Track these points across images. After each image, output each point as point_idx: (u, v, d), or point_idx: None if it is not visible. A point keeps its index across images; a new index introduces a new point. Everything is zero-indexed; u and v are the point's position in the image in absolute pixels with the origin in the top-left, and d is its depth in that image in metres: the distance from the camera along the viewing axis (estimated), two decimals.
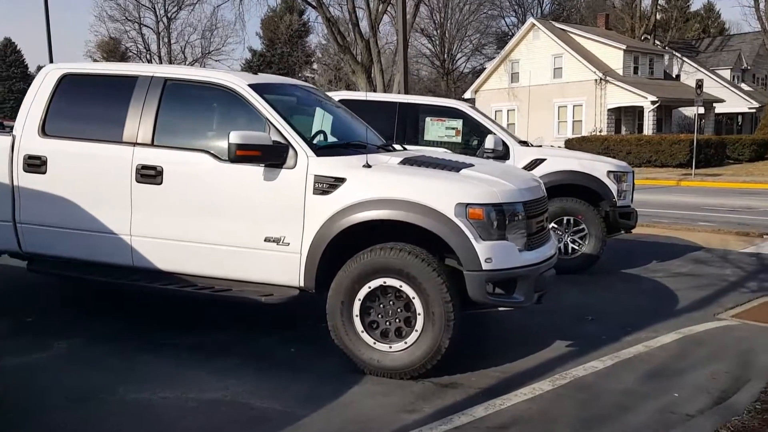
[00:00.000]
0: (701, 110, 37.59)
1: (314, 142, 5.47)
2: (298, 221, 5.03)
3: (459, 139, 8.91)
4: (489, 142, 8.29)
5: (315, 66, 65.93)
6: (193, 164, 5.31)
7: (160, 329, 5.90)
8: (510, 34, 52.75)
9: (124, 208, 5.45)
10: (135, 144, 5.44)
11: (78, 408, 4.29)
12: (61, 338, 5.57)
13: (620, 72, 38.81)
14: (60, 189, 5.61)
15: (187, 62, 61.69)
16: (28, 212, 5.73)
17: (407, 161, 5.26)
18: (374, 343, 4.87)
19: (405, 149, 6.45)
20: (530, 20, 43.01)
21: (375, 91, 31.78)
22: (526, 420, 4.28)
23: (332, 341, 4.98)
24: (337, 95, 9.10)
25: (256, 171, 5.08)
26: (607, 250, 9.15)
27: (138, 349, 5.38)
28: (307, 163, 5.03)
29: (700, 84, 27.40)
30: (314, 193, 5.00)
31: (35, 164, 5.65)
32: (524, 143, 9.14)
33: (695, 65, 47.65)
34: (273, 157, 5.02)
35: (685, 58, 48.23)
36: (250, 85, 5.35)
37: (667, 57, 45.63)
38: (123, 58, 60.87)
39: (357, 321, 4.89)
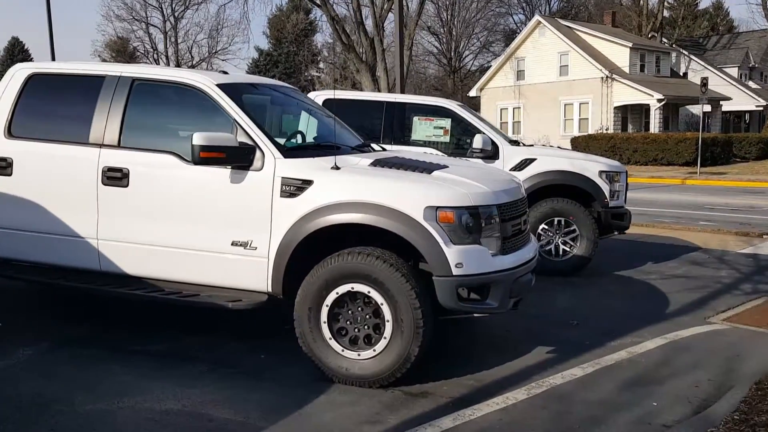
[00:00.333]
0: (707, 108, 37.36)
1: (283, 143, 5.31)
2: (265, 225, 4.89)
3: (447, 138, 8.75)
4: (477, 142, 8.14)
5: (321, 65, 65.80)
6: (160, 166, 5.17)
7: (130, 335, 5.77)
8: (518, 31, 52.35)
9: (90, 211, 5.32)
10: (101, 146, 5.30)
11: (27, 420, 4.14)
12: (27, 344, 5.43)
13: (627, 70, 38.47)
14: (26, 191, 5.49)
15: (193, 61, 61.76)
16: None
17: (378, 162, 5.11)
18: (342, 351, 4.73)
19: (384, 150, 6.29)
20: (536, 17, 42.65)
21: (379, 90, 31.64)
22: None
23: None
24: (324, 94, 8.96)
25: (223, 173, 4.94)
26: (601, 250, 8.99)
27: (103, 355, 5.24)
28: (274, 165, 4.89)
29: (705, 82, 27.07)
30: (281, 196, 4.85)
31: (1, 166, 5.53)
32: (515, 142, 8.96)
33: (702, 63, 47.26)
34: (239, 158, 4.88)
35: (692, 56, 47.85)
36: (218, 85, 5.21)
37: (674, 55, 45.25)
38: (132, 57, 60.91)
39: (325, 328, 4.75)
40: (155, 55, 62.68)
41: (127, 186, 5.20)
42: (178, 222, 5.11)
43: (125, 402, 4.39)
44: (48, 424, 4.07)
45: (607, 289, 7.88)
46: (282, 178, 4.85)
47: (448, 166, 5.22)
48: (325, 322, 4.74)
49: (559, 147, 9.71)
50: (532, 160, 8.40)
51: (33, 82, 5.67)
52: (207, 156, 4.71)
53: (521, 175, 8.29)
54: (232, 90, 5.23)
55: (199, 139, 4.67)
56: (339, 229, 4.77)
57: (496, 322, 6.25)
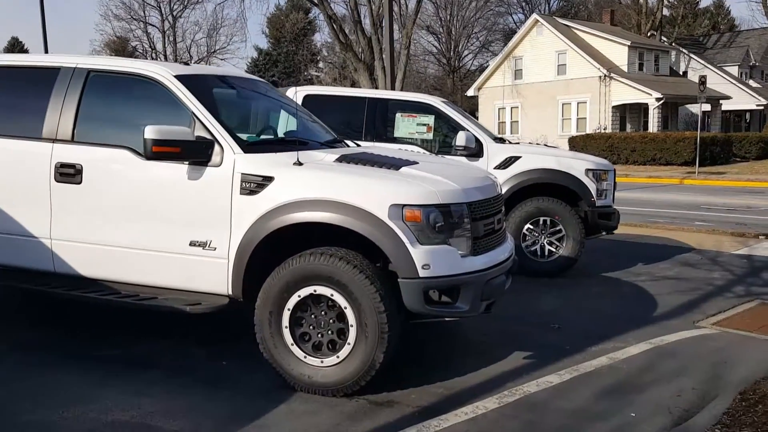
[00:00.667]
0: (707, 107, 37.12)
1: (246, 137, 5.05)
2: (224, 224, 4.63)
3: (431, 135, 8.48)
4: (460, 139, 7.89)
5: (321, 64, 65.55)
6: (114, 162, 4.91)
7: (85, 339, 5.51)
8: (517, 31, 52.07)
9: (44, 209, 5.06)
10: (54, 140, 5.05)
11: None
12: None
13: (625, 68, 38.15)
14: None
15: (192, 61, 61.51)
16: None
17: (344, 158, 4.84)
18: (305, 357, 4.47)
19: (357, 146, 6.03)
20: (534, 16, 42.39)
21: (377, 89, 31.37)
22: None
23: None
24: (305, 90, 8.71)
25: (180, 169, 4.68)
26: (589, 250, 8.74)
27: (54, 361, 4.99)
28: (233, 161, 4.63)
29: (702, 80, 26.79)
30: (241, 194, 4.59)
31: None
32: (500, 140, 8.71)
33: (702, 62, 46.94)
34: (195, 153, 4.62)
35: (692, 55, 47.54)
36: (176, 76, 4.94)
37: (673, 53, 44.96)
38: (131, 57, 60.67)
39: (286, 333, 4.49)
40: (154, 55, 62.44)
41: (80, 183, 4.94)
42: (134, 221, 4.85)
43: (70, 412, 4.13)
44: None
45: (594, 291, 7.62)
46: (242, 174, 4.60)
47: (417, 163, 4.95)
48: (286, 327, 4.48)
49: (546, 145, 9.40)
50: (517, 158, 8.14)
51: None
52: (160, 150, 4.45)
53: (506, 174, 8.05)
54: (190, 81, 4.96)
55: (151, 132, 4.41)
56: (304, 229, 4.52)
57: (474, 325, 6.00)
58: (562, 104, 39.46)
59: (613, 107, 37.60)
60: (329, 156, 4.89)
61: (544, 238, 8.08)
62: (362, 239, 4.38)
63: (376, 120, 8.59)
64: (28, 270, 5.23)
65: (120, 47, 62.21)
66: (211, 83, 5.41)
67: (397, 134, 8.52)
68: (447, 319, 4.77)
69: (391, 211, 4.29)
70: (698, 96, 26.75)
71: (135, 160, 4.79)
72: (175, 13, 61.46)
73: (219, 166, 4.64)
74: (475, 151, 8.05)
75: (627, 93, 36.98)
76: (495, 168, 8.07)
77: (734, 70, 48.48)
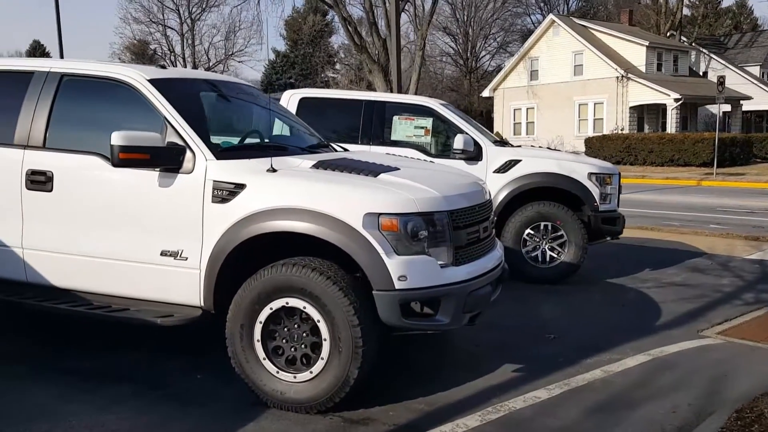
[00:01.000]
0: (727, 108, 36.56)
1: (221, 143, 4.87)
2: (196, 233, 4.45)
3: (429, 138, 8.27)
4: (458, 142, 7.69)
5: (338, 66, 65.47)
6: (84, 168, 4.75)
7: (57, 352, 5.35)
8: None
9: (15, 217, 4.91)
10: (26, 147, 4.90)
11: None
12: None
13: (643, 69, 37.67)
14: None
15: (210, 63, 61.67)
16: None
17: (321, 164, 4.63)
18: (277, 372, 4.28)
19: (345, 151, 5.83)
20: (550, 16, 42.02)
21: (392, 91, 31.18)
22: None
23: None
24: (300, 93, 8.54)
25: (151, 176, 4.51)
26: (596, 256, 8.52)
27: (22, 374, 4.83)
28: (205, 168, 4.45)
29: (721, 81, 26.35)
30: (213, 201, 4.41)
31: None
32: (500, 143, 8.49)
33: (723, 62, 46.29)
34: (166, 160, 4.44)
35: (712, 55, 46.89)
36: (150, 80, 4.77)
37: (693, 54, 44.36)
38: (151, 60, 60.89)
39: (258, 346, 4.30)
40: (172, 57, 62.68)
41: (51, 190, 4.79)
42: (105, 230, 4.69)
43: (33, 428, 3.97)
44: None
45: (595, 299, 7.37)
46: (213, 181, 4.42)
47: (399, 169, 4.74)
48: (258, 341, 4.30)
49: (548, 148, 9.17)
50: (518, 162, 7.91)
51: None
52: (128, 157, 4.27)
53: (505, 177, 7.84)
54: (164, 86, 4.79)
55: (118, 138, 4.24)
56: (279, 238, 4.33)
57: (466, 334, 5.77)
58: (579, 105, 39.06)
59: (631, 108, 37.15)
60: (306, 162, 4.69)
61: (546, 244, 7.84)
62: (339, 249, 4.19)
63: (374, 123, 8.39)
64: (0, 280, 5.08)
65: (140, 50, 62.44)
66: (190, 88, 5.25)
67: (394, 137, 8.32)
68: (429, 331, 4.56)
69: (366, 219, 4.09)
70: (717, 96, 26.30)
71: (105, 167, 4.61)
72: (193, 16, 61.66)
73: (191, 173, 4.47)
74: (473, 154, 7.84)
75: (645, 93, 36.52)
76: (494, 172, 7.85)
77: (756, 70, 47.75)
